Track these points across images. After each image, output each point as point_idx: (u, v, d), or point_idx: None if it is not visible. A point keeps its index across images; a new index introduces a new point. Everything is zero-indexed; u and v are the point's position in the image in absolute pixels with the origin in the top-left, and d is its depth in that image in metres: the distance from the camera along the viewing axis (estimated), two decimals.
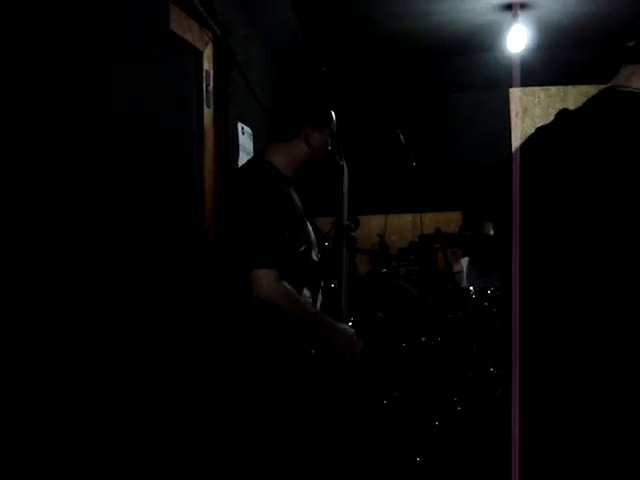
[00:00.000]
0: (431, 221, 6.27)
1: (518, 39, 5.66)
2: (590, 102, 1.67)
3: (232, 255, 2.42)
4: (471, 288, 4.65)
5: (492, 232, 5.85)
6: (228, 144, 4.02)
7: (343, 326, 2.61)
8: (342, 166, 2.96)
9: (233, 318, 2.51)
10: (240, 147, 4.25)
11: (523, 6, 5.26)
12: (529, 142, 1.77)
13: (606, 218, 1.40)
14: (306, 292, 2.54)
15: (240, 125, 4.26)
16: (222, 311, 2.62)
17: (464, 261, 5.84)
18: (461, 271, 5.78)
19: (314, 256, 2.61)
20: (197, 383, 3.00)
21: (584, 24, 5.73)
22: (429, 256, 5.21)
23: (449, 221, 6.99)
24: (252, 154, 4.52)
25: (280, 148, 2.61)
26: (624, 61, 1.71)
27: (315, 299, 2.60)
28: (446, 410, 4.05)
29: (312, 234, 2.65)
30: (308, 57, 5.98)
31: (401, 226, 6.64)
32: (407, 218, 6.57)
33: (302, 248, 2.53)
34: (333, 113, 2.68)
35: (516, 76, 5.77)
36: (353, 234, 3.03)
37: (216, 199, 2.87)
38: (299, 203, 2.67)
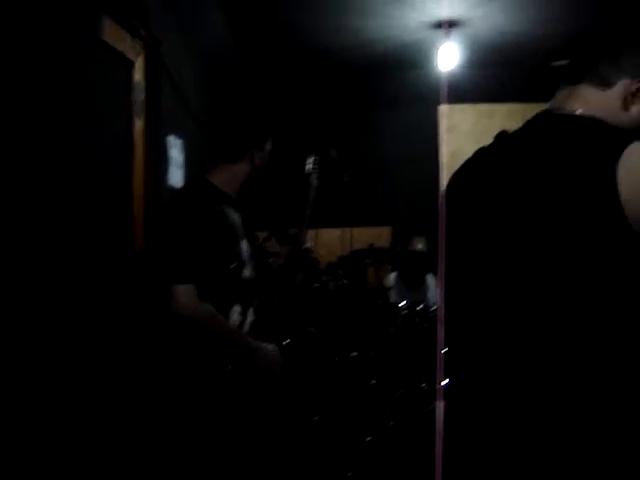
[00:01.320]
0: (361, 236, 6.30)
1: (448, 57, 5.74)
2: (528, 125, 1.68)
3: (156, 270, 2.46)
4: (402, 304, 4.67)
5: (420, 247, 5.92)
6: (158, 156, 3.94)
7: (266, 346, 2.62)
8: (311, 184, 3.00)
9: (156, 330, 2.55)
10: (171, 160, 4.17)
11: (454, 24, 5.34)
12: (469, 164, 1.78)
13: (539, 238, 1.41)
14: (237, 308, 2.58)
15: (171, 137, 4.19)
16: (147, 322, 2.68)
17: (392, 276, 5.88)
18: (391, 287, 5.82)
19: (246, 273, 2.62)
20: (117, 391, 2.94)
21: (513, 43, 5.86)
22: (360, 271, 5.23)
23: (379, 236, 7.03)
24: (183, 167, 4.45)
25: (224, 169, 2.65)
26: (561, 82, 1.72)
27: (245, 316, 2.60)
28: (378, 425, 4.05)
29: (246, 252, 2.65)
30: (239, 68, 5.93)
31: (330, 241, 6.63)
32: (336, 233, 6.57)
33: (233, 265, 2.54)
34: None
35: (444, 93, 5.86)
36: (312, 252, 3.05)
37: (152, 216, 2.88)
38: (237, 220, 2.68)
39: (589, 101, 1.59)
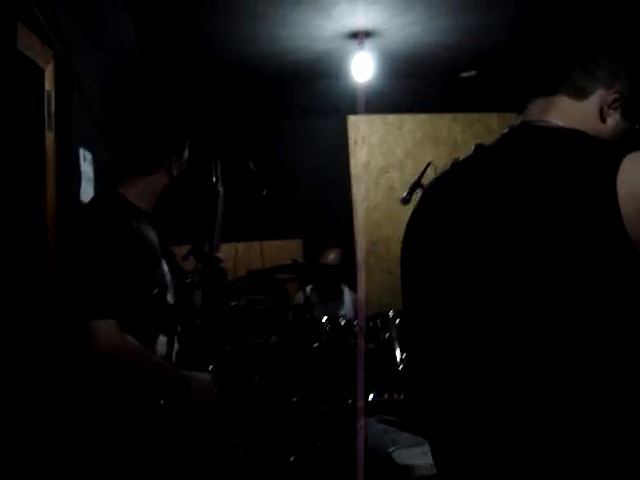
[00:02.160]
0: (272, 249, 6.19)
1: (362, 67, 5.69)
2: (507, 138, 1.60)
3: (71, 302, 2.23)
4: (324, 319, 4.57)
5: (332, 258, 5.85)
6: (70, 171, 3.68)
7: (197, 375, 2.43)
8: (219, 192, 2.81)
9: (76, 366, 2.30)
10: (82, 174, 3.91)
11: (369, 34, 5.30)
12: (446, 178, 1.68)
13: (536, 252, 1.33)
14: (162, 339, 2.39)
15: (82, 150, 3.93)
16: (65, 359, 2.40)
17: (307, 289, 5.79)
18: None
19: (169, 299, 2.43)
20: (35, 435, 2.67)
21: (425, 54, 5.89)
22: (280, 287, 5.10)
23: (290, 249, 6.92)
24: (93, 181, 4.20)
25: (139, 181, 2.44)
26: (532, 93, 1.65)
27: (171, 346, 2.42)
28: (303, 444, 3.93)
29: (167, 275, 2.46)
30: (146, 78, 5.69)
31: (243, 254, 6.47)
32: (249, 246, 6.42)
33: (155, 291, 2.34)
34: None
35: (358, 103, 5.81)
36: (222, 265, 2.86)
37: (63, 235, 2.63)
38: (155, 239, 2.48)
39: (567, 112, 1.55)
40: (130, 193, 2.40)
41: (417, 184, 4.65)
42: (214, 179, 2.93)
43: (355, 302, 5.91)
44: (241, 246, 6.28)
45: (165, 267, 2.46)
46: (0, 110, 2.53)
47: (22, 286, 2.74)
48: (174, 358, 2.45)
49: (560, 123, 1.52)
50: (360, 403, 3.97)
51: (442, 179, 1.68)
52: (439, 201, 1.62)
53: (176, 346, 2.45)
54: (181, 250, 3.26)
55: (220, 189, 2.91)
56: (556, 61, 1.66)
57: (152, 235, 2.46)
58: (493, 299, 1.38)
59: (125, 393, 2.22)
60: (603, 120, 1.55)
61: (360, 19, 4.98)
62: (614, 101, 1.55)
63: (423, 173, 4.69)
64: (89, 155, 4.10)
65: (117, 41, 4.77)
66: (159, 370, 2.31)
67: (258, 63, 5.83)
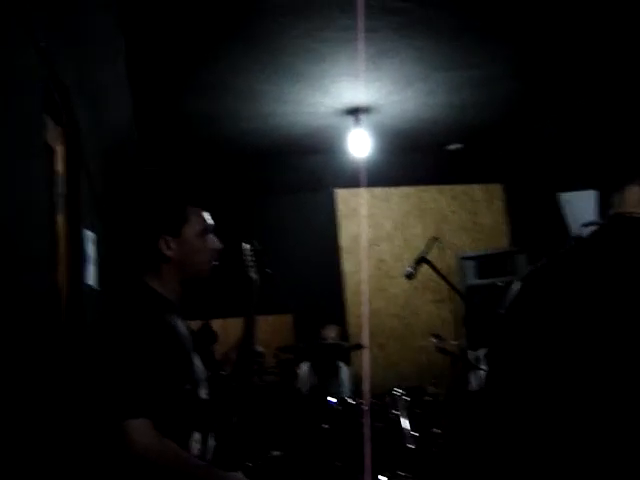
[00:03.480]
0: (263, 324, 6.05)
1: (357, 142, 5.69)
2: (607, 230, 1.56)
3: (104, 401, 2.09)
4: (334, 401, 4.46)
5: (333, 336, 5.74)
6: (78, 255, 3.55)
7: (236, 476, 2.27)
8: (252, 279, 2.67)
9: (109, 466, 2.14)
10: (88, 257, 3.78)
11: (364, 110, 5.32)
12: (546, 270, 1.62)
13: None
14: (197, 436, 2.22)
15: (87, 232, 3.81)
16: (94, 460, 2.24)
17: (304, 367, 5.68)
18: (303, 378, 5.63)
19: (202, 394, 2.29)
20: None
21: (416, 129, 5.93)
22: (290, 369, 4.99)
23: (281, 324, 6.80)
24: (97, 264, 4.06)
25: (160, 269, 2.29)
26: (623, 182, 1.60)
27: (206, 444, 2.27)
28: None
29: (200, 369, 2.32)
30: (140, 156, 5.62)
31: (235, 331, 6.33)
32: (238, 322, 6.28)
33: (188, 387, 2.20)
34: (190, 209, 2.38)
35: (355, 177, 5.80)
36: (261, 360, 2.72)
37: (96, 331, 2.49)
38: (185, 331, 2.34)
39: None
40: (156, 283, 2.28)
41: (422, 258, 4.60)
42: (246, 264, 2.79)
43: (352, 379, 5.81)
44: (231, 322, 6.14)
45: (197, 361, 2.34)
46: (18, 192, 2.42)
47: (39, 375, 2.59)
48: (210, 456, 2.30)
49: None
50: None
51: (543, 271, 1.61)
52: (544, 292, 1.56)
53: (211, 443, 2.31)
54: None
55: (253, 275, 2.78)
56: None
57: (182, 328, 2.33)
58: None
59: None
60: None
61: (358, 96, 5.00)
62: None
63: (428, 248, 4.65)
64: (93, 235, 3.97)
65: (115, 119, 4.70)
66: (198, 473, 2.16)
67: (251, 139, 5.82)
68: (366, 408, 4.36)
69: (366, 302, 6.93)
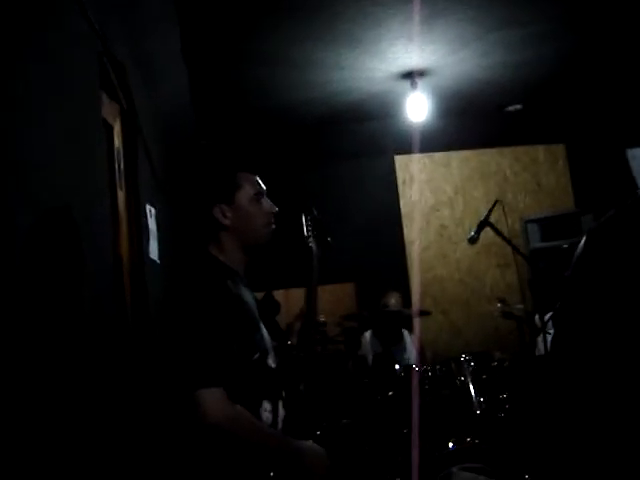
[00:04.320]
0: (325, 294, 6.06)
1: (415, 107, 5.59)
2: None
3: (175, 372, 2.11)
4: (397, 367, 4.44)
5: (393, 302, 5.70)
6: (140, 229, 3.58)
7: (312, 447, 2.27)
8: (311, 249, 2.65)
9: (180, 440, 2.16)
10: (150, 231, 3.82)
11: (421, 74, 5.23)
12: (607, 226, 1.56)
13: None
14: (266, 405, 2.23)
15: (148, 207, 3.84)
16: (166, 430, 2.31)
17: (367, 334, 5.67)
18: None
19: (271, 363, 2.29)
20: None
21: (475, 90, 5.81)
22: (355, 337, 4.99)
23: (344, 293, 6.79)
24: (157, 238, 4.10)
25: (222, 239, 2.31)
26: None
27: (276, 413, 2.26)
28: None
29: (267, 338, 2.32)
30: (197, 128, 5.64)
31: (298, 301, 6.35)
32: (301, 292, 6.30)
33: (256, 356, 2.20)
34: (240, 175, 2.36)
35: (414, 143, 5.72)
36: (324, 329, 2.71)
37: (163, 302, 2.52)
38: (251, 300, 2.34)
39: None
40: (219, 253, 2.29)
41: (485, 222, 4.52)
42: (305, 234, 2.77)
43: (415, 345, 5.78)
44: (293, 292, 6.17)
45: (264, 330, 2.34)
46: (81, 170, 2.44)
47: (104, 349, 2.63)
48: (280, 425, 2.30)
49: None
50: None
51: (609, 223, 1.56)
52: (612, 246, 1.50)
53: (282, 412, 2.31)
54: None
55: (313, 245, 2.75)
56: None
57: (248, 297, 2.34)
58: None
59: (235, 465, 2.08)
60: None
61: (414, 59, 4.91)
62: None
63: (490, 211, 4.56)
64: (154, 211, 4.00)
65: (170, 92, 4.71)
66: (272, 442, 2.16)
67: (309, 107, 5.78)
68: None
69: (429, 269, 6.86)
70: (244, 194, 2.31)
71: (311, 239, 2.77)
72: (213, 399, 1.99)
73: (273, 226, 2.38)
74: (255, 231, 2.34)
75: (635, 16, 4.54)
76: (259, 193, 2.35)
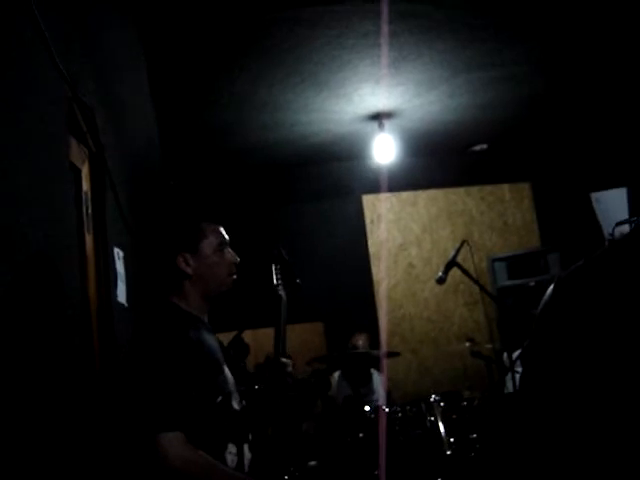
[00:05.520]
0: (293, 332, 6.04)
1: (382, 148, 5.66)
2: (637, 232, 1.52)
3: (135, 417, 2.17)
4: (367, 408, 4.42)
5: (361, 343, 5.70)
6: (108, 273, 3.54)
7: None
8: (281, 297, 2.68)
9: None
10: (117, 274, 3.78)
11: (388, 116, 5.29)
12: (582, 272, 1.58)
13: None
14: (231, 448, 2.26)
15: (116, 250, 3.81)
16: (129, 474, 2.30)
17: (336, 375, 5.66)
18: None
19: (235, 405, 2.30)
20: None
21: (441, 131, 5.89)
22: (324, 378, 4.97)
23: (312, 333, 6.77)
24: (124, 281, 4.06)
25: (185, 287, 2.38)
26: None
27: (242, 455, 2.27)
28: None
29: (231, 380, 2.33)
30: (165, 171, 5.63)
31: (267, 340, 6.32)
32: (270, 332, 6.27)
33: (219, 399, 2.23)
34: (205, 224, 2.41)
35: (380, 183, 5.77)
36: (290, 370, 2.71)
37: (127, 348, 2.54)
38: (215, 344, 2.38)
39: None
40: (180, 300, 2.36)
41: (452, 262, 4.56)
42: (275, 282, 2.81)
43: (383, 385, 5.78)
44: (261, 332, 6.14)
45: (228, 373, 2.36)
46: (48, 214, 2.43)
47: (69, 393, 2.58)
48: (247, 468, 2.30)
49: None
50: None
51: (579, 273, 1.58)
52: (582, 295, 1.52)
53: (248, 455, 2.31)
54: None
55: (282, 293, 2.79)
56: None
57: (211, 341, 2.38)
58: None
59: None
60: None
61: (381, 101, 4.98)
62: None
63: (457, 252, 4.60)
64: (122, 254, 3.97)
65: (139, 135, 4.71)
66: None
67: (276, 149, 5.82)
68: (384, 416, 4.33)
69: (397, 308, 6.88)
70: (208, 244, 2.37)
71: (280, 287, 2.81)
72: (173, 443, 2.03)
73: (235, 276, 2.42)
74: (217, 280, 2.39)
75: (597, 60, 4.65)
76: (222, 243, 2.40)
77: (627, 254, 1.49)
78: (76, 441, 2.33)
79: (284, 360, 2.69)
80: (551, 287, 1.59)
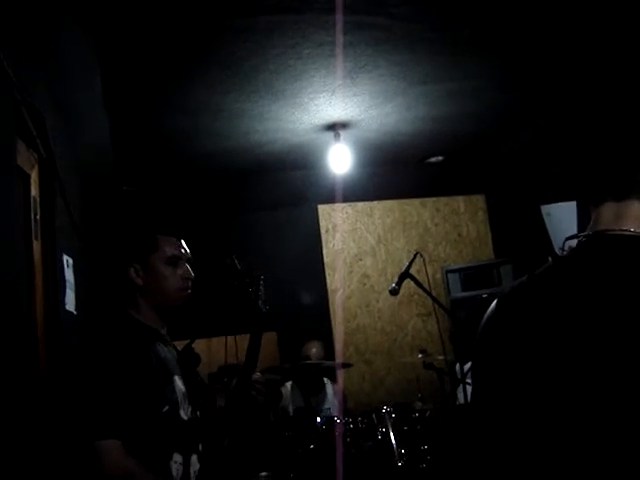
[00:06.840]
0: (246, 342, 5.97)
1: (337, 158, 5.66)
2: (582, 248, 1.53)
3: (77, 423, 2.20)
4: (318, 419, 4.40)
5: (315, 351, 5.68)
6: (56, 281, 3.48)
7: None
8: (261, 311, 2.67)
9: None
10: (66, 282, 3.72)
11: (344, 126, 5.30)
12: (524, 288, 1.59)
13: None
14: (177, 457, 2.27)
15: (65, 257, 3.74)
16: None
17: (288, 385, 5.63)
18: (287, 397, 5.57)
19: (183, 415, 2.28)
20: None
21: (395, 143, 5.92)
22: (276, 388, 4.94)
23: (265, 341, 6.71)
24: (74, 289, 3.99)
25: (139, 299, 2.42)
26: (601, 198, 1.56)
27: (187, 465, 2.25)
28: None
29: (180, 390, 2.31)
30: (118, 178, 5.56)
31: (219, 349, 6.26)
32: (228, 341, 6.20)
33: (165, 408, 2.22)
34: (160, 237, 2.41)
35: (336, 193, 5.78)
36: (260, 387, 2.67)
37: (75, 356, 2.53)
38: (169, 355, 2.36)
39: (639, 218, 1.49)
40: (134, 311, 2.38)
41: (406, 274, 4.57)
42: (255, 297, 2.79)
43: (337, 395, 5.75)
44: (214, 341, 6.08)
45: (179, 383, 2.34)
46: None
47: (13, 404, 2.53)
48: (193, 478, 2.28)
49: (634, 230, 1.46)
50: None
51: (521, 289, 1.58)
52: (524, 310, 1.53)
53: (196, 465, 2.30)
54: None
55: (264, 309, 2.78)
56: (625, 165, 1.59)
57: (165, 352, 2.36)
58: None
59: None
60: None
61: (337, 112, 4.98)
62: None
63: (411, 263, 4.62)
64: (71, 261, 3.91)
65: (92, 140, 4.64)
66: None
67: (231, 157, 5.79)
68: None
69: (351, 318, 6.87)
70: (158, 256, 2.36)
71: (261, 300, 2.80)
72: (109, 450, 2.06)
73: (188, 291, 2.41)
74: (166, 294, 2.37)
75: (552, 76, 4.72)
76: (176, 257, 2.37)
77: (569, 271, 1.49)
78: (18, 446, 2.28)
79: (256, 377, 2.64)
80: (494, 303, 1.60)
